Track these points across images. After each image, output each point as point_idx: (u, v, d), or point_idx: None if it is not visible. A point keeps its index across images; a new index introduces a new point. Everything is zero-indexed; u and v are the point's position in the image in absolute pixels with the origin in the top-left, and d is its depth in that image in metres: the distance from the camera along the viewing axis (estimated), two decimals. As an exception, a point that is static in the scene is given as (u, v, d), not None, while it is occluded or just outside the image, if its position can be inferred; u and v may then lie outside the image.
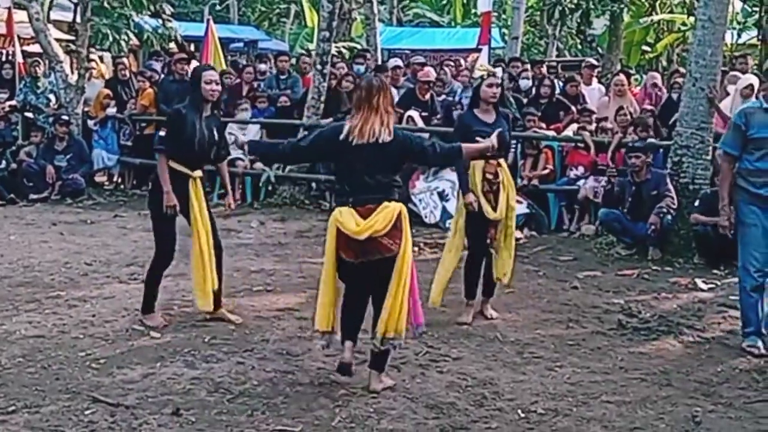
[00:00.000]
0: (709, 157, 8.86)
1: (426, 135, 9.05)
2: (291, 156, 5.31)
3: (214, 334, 5.84)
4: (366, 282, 4.93)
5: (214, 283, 5.99)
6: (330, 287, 4.92)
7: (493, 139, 5.06)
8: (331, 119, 11.41)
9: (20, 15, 13.62)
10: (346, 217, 4.76)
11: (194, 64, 13.74)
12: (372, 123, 4.75)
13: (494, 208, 6.24)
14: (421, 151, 4.91)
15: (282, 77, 12.71)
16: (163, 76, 13.09)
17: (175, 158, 5.87)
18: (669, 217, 8.53)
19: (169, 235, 5.97)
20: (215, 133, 6.01)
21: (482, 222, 6.26)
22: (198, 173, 5.97)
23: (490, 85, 6.24)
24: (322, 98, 11.51)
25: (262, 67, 13.26)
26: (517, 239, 9.40)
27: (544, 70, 12.21)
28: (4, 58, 14.97)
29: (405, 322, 4.86)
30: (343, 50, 21.14)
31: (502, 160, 6.30)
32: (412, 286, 4.89)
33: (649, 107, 10.64)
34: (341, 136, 4.77)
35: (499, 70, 11.24)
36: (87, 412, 4.52)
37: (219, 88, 5.99)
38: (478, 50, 10.91)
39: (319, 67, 11.58)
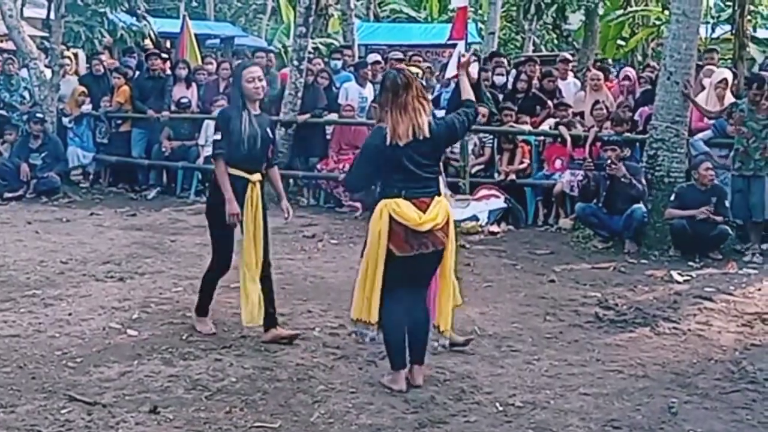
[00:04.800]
0: (684, 151, 8.94)
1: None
2: (362, 183, 5.15)
3: (191, 332, 5.81)
4: (411, 278, 4.85)
5: (261, 298, 5.60)
6: (378, 282, 4.77)
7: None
8: (308, 115, 11.42)
9: (-7, 12, 13.45)
10: (406, 208, 4.70)
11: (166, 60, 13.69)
12: (404, 124, 4.70)
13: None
14: (460, 131, 4.99)
15: (260, 73, 12.65)
16: (138, 73, 12.99)
17: (230, 162, 5.51)
18: (642, 209, 8.63)
19: (227, 242, 5.67)
20: (268, 132, 5.67)
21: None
22: (257, 177, 5.59)
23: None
24: (299, 94, 11.49)
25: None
26: (494, 233, 9.54)
27: (536, 69, 11.94)
28: (-24, 56, 14.80)
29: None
30: (320, 46, 21.09)
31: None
32: None
33: (623, 101, 10.70)
34: (387, 142, 4.71)
35: (473, 67, 11.21)
36: (63, 411, 4.49)
37: (263, 84, 5.62)
38: (452, 46, 10.88)
39: (296, 63, 11.55)
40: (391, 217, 4.71)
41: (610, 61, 19.96)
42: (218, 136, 5.58)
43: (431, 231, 4.74)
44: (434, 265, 4.89)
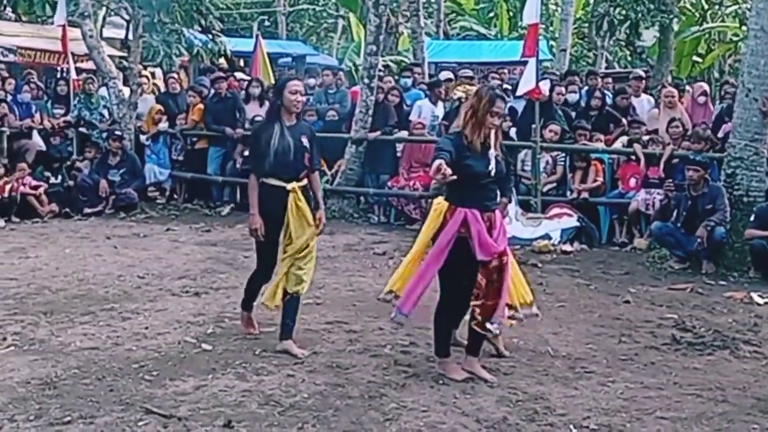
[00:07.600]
0: (763, 170, 8.72)
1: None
2: None
3: (264, 347, 5.86)
4: None
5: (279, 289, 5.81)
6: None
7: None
8: (378, 132, 11.49)
9: (74, 32, 13.91)
10: None
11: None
12: None
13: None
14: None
15: (330, 91, 12.80)
16: (212, 92, 13.18)
17: (266, 173, 5.76)
18: (722, 229, 8.41)
19: (267, 248, 5.91)
20: (303, 141, 5.77)
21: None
22: (293, 185, 5.73)
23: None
24: (370, 112, 11.56)
25: (311, 81, 13.40)
26: (567, 252, 9.42)
27: (598, 81, 11.98)
28: (59, 75, 15.30)
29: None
30: (391, 64, 21.20)
31: None
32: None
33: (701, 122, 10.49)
34: None
35: (544, 84, 11.15)
36: (140, 424, 4.57)
37: (303, 99, 5.89)
38: (523, 63, 10.85)
39: (366, 80, 11.63)
40: None
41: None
42: (246, 152, 5.80)
43: None
44: None
